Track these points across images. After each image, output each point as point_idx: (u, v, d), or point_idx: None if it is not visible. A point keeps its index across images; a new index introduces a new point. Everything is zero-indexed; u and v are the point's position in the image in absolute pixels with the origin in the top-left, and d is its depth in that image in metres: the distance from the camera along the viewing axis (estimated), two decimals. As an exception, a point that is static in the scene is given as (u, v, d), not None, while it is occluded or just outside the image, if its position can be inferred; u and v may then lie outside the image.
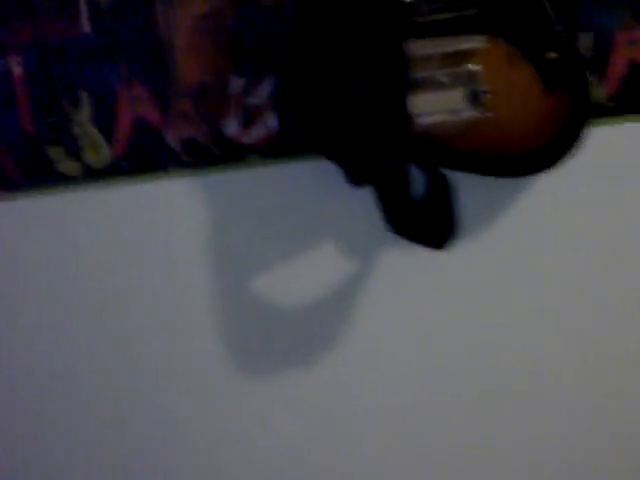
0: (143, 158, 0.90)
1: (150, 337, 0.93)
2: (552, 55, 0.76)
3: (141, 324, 0.93)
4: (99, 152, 0.90)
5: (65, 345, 0.94)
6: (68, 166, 0.90)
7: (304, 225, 0.89)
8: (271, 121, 0.87)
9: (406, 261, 0.88)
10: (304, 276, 0.89)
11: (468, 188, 0.82)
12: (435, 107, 0.78)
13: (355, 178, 0.80)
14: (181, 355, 0.93)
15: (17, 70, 0.89)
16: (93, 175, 0.90)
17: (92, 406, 0.95)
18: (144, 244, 0.91)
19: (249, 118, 0.87)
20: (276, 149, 0.88)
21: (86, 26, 0.88)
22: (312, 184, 0.87)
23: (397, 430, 0.93)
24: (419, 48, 0.77)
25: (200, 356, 0.93)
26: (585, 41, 0.81)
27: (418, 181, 0.81)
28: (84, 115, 0.89)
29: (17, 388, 0.96)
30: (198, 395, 0.94)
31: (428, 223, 0.82)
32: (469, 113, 0.78)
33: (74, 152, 0.90)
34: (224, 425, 0.94)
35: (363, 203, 0.85)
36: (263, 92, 0.87)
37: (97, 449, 0.96)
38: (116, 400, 0.94)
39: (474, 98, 0.77)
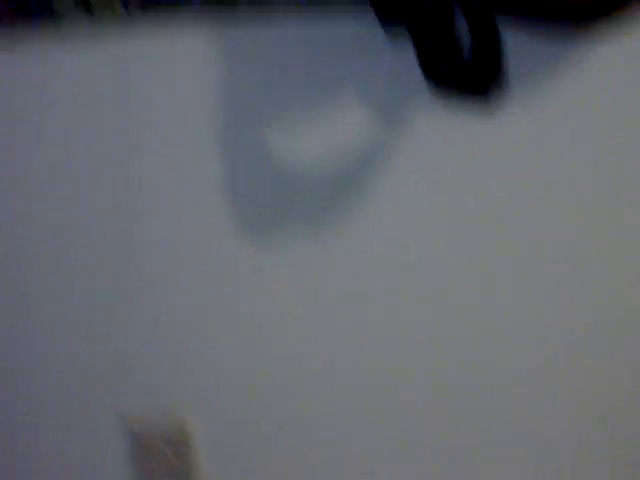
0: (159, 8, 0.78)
1: (158, 201, 0.85)
2: None
3: (148, 190, 0.84)
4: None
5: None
6: (75, 15, 0.79)
7: (330, 81, 0.80)
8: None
9: (439, 125, 0.80)
10: (327, 138, 0.81)
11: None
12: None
13: (389, 14, 0.71)
14: (189, 220, 0.85)
15: None
16: (102, 26, 0.79)
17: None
18: (157, 101, 0.82)
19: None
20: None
21: None
22: (341, 38, 0.78)
23: (415, 312, 0.87)
24: None
25: (209, 223, 0.85)
26: None
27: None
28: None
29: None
30: (205, 265, 0.86)
31: (472, 70, 0.72)
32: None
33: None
34: (228, 298, 0.87)
35: (394, 61, 0.77)
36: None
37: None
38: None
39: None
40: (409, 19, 0.70)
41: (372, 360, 0.89)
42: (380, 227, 0.84)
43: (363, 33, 0.77)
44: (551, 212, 0.83)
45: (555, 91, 0.78)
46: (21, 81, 0.82)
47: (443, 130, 0.80)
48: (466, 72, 0.72)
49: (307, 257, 0.85)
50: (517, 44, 0.75)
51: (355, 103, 0.79)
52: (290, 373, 0.90)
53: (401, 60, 0.76)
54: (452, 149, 0.81)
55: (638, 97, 0.79)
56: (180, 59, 0.80)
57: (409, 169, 0.82)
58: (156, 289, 0.87)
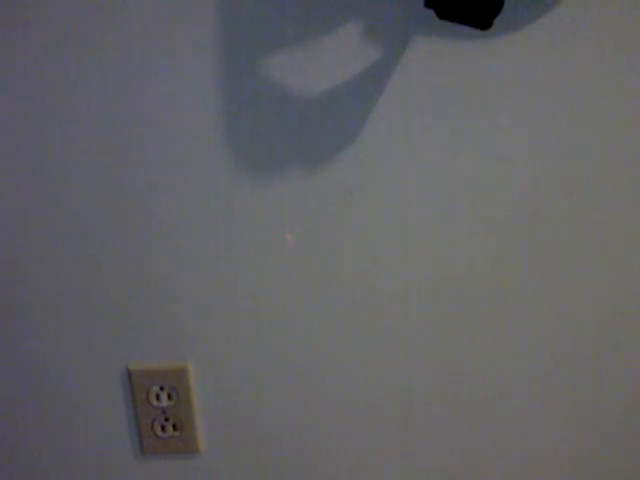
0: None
1: (156, 141, 0.83)
2: None
3: (146, 128, 0.82)
4: None
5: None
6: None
7: (329, 10, 0.76)
8: None
9: (438, 55, 0.77)
10: (325, 69, 0.78)
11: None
12: None
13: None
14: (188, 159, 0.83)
15: None
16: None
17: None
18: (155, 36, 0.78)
19: None
20: None
21: None
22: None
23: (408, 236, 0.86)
24: None
25: (207, 161, 0.83)
26: None
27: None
28: None
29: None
30: (203, 204, 0.85)
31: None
32: None
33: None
34: (227, 236, 0.86)
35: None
36: None
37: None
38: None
39: None
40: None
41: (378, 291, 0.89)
42: (378, 161, 0.82)
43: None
44: (553, 147, 0.81)
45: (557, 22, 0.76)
46: None
47: (443, 61, 0.78)
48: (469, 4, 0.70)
49: (303, 192, 0.84)
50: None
51: (355, 34, 0.77)
52: (291, 315, 0.90)
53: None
54: (451, 79, 0.79)
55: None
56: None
57: (409, 100, 0.80)
58: (155, 229, 0.87)
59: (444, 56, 0.78)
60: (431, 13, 0.71)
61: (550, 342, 0.89)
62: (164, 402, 0.93)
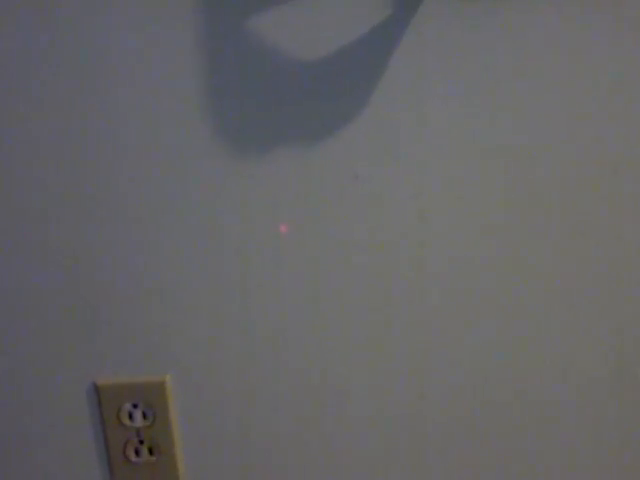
0: None
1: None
2: None
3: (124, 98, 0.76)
4: None
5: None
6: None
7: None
8: None
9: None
10: (319, 19, 0.73)
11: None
12: None
13: None
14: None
15: None
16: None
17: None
18: None
19: None
20: None
21: None
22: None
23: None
24: None
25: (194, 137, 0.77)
26: None
27: None
28: None
29: None
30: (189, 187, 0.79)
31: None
32: None
33: None
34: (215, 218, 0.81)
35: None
36: None
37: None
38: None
39: None
40: None
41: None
42: (388, 135, 0.77)
43: None
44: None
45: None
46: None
47: (457, 19, 0.73)
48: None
49: (300, 175, 0.79)
50: None
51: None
52: (286, 320, 0.84)
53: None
54: (466, 38, 0.74)
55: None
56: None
57: (422, 62, 0.75)
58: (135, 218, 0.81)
59: (458, 14, 0.73)
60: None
61: (571, 340, 0.84)
62: (138, 422, 0.88)
